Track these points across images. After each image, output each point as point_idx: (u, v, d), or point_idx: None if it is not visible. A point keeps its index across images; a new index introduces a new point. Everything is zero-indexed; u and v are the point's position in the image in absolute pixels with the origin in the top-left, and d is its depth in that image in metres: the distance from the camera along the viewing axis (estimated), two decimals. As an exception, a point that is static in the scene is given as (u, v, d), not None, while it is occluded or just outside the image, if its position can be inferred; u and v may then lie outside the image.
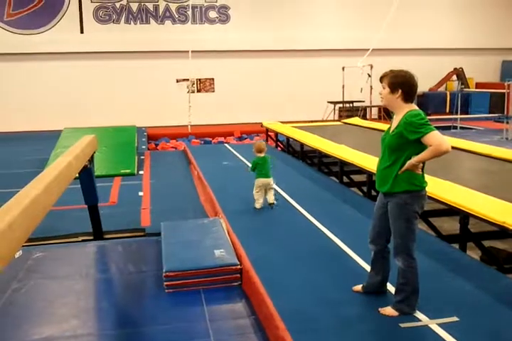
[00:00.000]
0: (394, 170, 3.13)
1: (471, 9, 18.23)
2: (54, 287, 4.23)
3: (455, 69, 17.53)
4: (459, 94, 13.84)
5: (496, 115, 14.72)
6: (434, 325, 3.05)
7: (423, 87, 16.81)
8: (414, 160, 3.03)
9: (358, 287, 3.56)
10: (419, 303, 3.22)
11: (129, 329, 3.53)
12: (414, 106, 3.14)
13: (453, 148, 3.10)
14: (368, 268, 3.96)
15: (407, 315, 3.16)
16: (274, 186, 5.95)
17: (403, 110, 3.12)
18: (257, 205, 5.81)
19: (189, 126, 14.30)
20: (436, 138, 2.93)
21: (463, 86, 16.27)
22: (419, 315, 3.17)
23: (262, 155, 5.86)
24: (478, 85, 18.37)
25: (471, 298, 3.44)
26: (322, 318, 3.20)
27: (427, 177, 3.25)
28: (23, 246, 3.92)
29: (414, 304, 3.20)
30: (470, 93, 17.24)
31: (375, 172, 6.54)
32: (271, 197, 5.84)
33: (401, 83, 3.10)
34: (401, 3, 13.16)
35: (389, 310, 3.20)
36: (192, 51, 13.72)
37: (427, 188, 3.19)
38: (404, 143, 3.06)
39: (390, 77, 3.14)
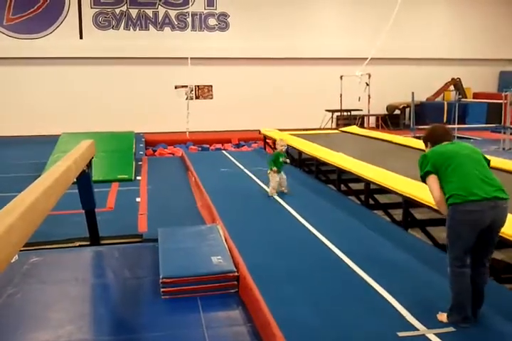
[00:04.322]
0: None
1: (470, 20, 18.35)
2: (50, 292, 4.21)
3: (453, 79, 17.62)
4: (457, 104, 13.85)
5: (493, 125, 14.74)
6: (431, 335, 3.04)
7: (420, 96, 16.88)
8: None
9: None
10: (418, 312, 3.21)
11: (124, 335, 3.51)
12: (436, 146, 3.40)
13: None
14: (365, 276, 3.95)
15: (456, 324, 3.12)
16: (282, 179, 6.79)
17: None
18: (269, 193, 6.73)
19: (187, 133, 14.31)
20: (429, 189, 3.34)
21: (460, 96, 16.32)
22: (417, 324, 3.16)
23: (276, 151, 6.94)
24: (475, 95, 18.45)
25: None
26: (319, 326, 3.19)
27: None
28: (20, 250, 3.91)
29: (460, 314, 3.15)
30: (467, 103, 17.29)
31: (372, 180, 6.49)
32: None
33: (426, 138, 3.55)
34: (399, 13, 13.20)
35: (442, 316, 3.22)
36: (191, 58, 13.75)
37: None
38: None
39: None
